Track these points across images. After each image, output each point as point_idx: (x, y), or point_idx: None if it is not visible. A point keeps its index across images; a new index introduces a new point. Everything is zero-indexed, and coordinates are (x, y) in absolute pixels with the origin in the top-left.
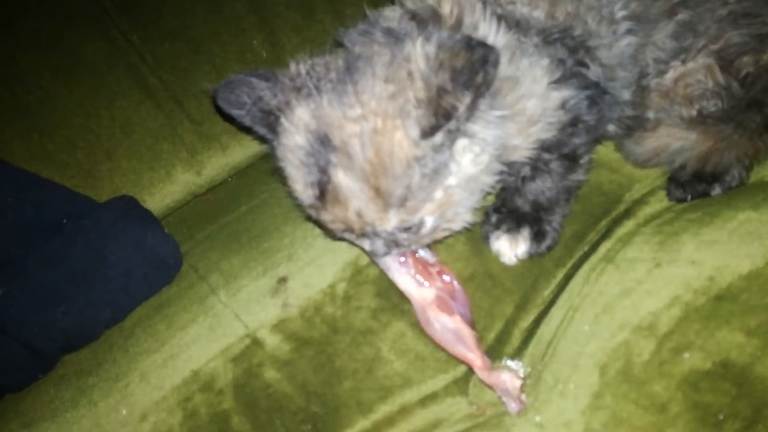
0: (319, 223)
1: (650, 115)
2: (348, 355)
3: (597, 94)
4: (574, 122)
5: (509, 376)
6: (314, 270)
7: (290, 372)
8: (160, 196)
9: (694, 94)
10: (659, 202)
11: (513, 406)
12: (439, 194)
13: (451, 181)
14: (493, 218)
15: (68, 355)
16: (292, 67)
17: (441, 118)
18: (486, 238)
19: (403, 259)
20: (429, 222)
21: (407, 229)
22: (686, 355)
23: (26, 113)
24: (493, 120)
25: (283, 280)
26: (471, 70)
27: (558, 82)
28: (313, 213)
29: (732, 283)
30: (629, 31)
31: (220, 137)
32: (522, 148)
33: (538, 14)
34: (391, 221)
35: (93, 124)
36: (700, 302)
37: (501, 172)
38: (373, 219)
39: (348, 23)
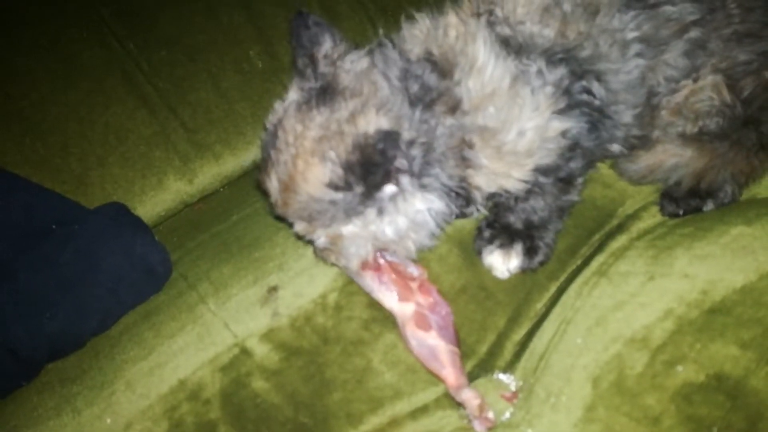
0: None
1: (656, 133)
2: (338, 365)
3: (598, 119)
4: (573, 147)
5: (471, 395)
6: (305, 280)
7: (279, 382)
8: (152, 204)
9: (701, 110)
10: (652, 217)
11: (476, 425)
12: (331, 232)
13: (346, 231)
14: (486, 233)
15: (53, 362)
16: (325, 48)
17: (343, 183)
18: (479, 253)
19: (384, 277)
20: (321, 243)
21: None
22: (680, 367)
23: (20, 117)
24: (416, 208)
25: (273, 290)
26: (368, 170)
27: (561, 112)
28: None
29: (725, 296)
30: (638, 54)
31: (213, 147)
32: (515, 178)
33: (548, 33)
34: (294, 226)
35: (86, 130)
36: (694, 315)
37: (494, 195)
38: (282, 215)
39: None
